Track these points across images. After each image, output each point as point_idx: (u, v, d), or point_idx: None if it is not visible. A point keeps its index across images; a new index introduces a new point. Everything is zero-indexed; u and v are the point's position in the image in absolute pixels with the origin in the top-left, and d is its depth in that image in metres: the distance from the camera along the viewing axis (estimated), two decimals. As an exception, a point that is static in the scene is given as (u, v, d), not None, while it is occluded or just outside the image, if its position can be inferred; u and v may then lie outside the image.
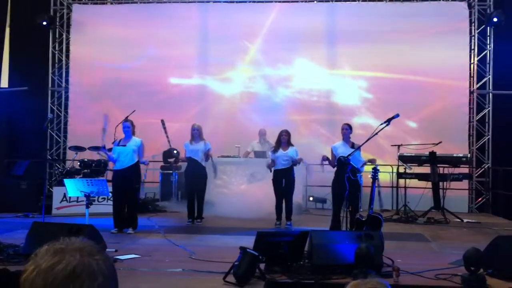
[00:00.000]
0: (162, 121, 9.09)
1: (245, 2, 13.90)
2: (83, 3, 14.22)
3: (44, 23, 13.53)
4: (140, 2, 14.10)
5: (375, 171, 7.34)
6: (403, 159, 11.04)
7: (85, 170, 11.30)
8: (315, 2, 13.69)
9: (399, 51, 12.98)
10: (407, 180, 11.25)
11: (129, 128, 8.74)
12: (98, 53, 13.82)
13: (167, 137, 9.39)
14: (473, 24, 13.07)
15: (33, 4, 13.72)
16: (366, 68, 13.18)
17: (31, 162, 11.97)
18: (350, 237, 6.07)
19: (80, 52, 13.94)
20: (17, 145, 13.16)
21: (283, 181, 9.33)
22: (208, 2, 14.05)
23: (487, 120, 12.95)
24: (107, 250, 6.40)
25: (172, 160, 11.19)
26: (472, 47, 13.04)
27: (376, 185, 7.79)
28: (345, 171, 7.90)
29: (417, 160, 11.06)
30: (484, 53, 13.03)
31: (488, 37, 13.03)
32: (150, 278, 5.63)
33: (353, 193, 7.96)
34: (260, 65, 13.46)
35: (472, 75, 13.06)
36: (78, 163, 11.56)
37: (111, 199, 9.19)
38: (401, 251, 7.04)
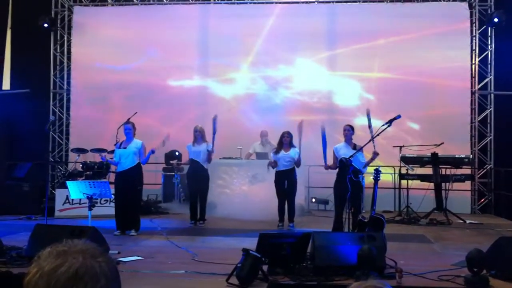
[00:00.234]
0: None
1: (246, 3, 13.91)
2: (84, 5, 14.23)
3: (46, 25, 13.56)
4: (141, 4, 14.12)
5: (377, 172, 7.33)
6: (405, 160, 11.03)
7: (88, 172, 11.30)
8: (315, 3, 13.69)
9: (400, 52, 12.98)
10: (409, 181, 11.24)
11: (130, 130, 8.76)
12: (100, 54, 13.84)
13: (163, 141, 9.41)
14: (474, 25, 13.06)
15: (34, 6, 13.74)
16: (367, 69, 13.18)
17: (33, 164, 11.98)
18: (352, 238, 6.06)
19: (82, 54, 13.96)
20: (19, 147, 13.18)
21: (285, 182, 9.33)
22: (209, 3, 14.08)
23: (488, 121, 12.94)
24: (110, 252, 6.41)
25: (174, 162, 11.20)
26: (473, 48, 13.04)
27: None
28: (347, 172, 7.89)
29: (419, 161, 11.05)
30: (485, 53, 13.02)
31: (489, 38, 13.02)
32: (152, 280, 5.63)
33: (355, 195, 7.95)
34: (260, 66, 13.45)
35: (473, 75, 13.05)
36: (81, 165, 11.57)
37: (114, 201, 9.19)
38: (403, 253, 7.03)
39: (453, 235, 9.18)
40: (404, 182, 11.30)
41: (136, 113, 9.29)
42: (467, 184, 12.17)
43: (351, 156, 7.95)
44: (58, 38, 14.26)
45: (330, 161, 8.54)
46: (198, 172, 9.71)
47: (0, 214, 10.55)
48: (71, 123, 14.06)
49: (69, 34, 14.21)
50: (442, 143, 10.93)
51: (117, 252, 6.76)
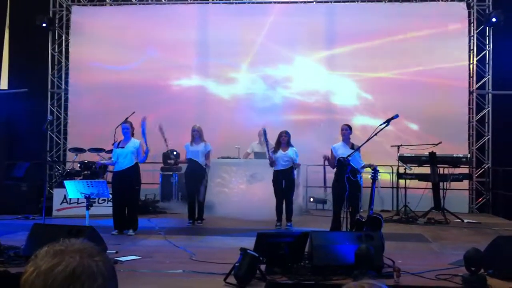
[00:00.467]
0: (160, 127, 9.10)
1: (244, 3, 13.91)
2: (82, 5, 14.22)
3: (44, 24, 13.55)
4: (139, 4, 14.11)
5: (375, 172, 7.34)
6: (403, 159, 11.04)
7: (85, 172, 11.30)
8: (314, 3, 13.70)
9: (398, 51, 13.00)
10: (407, 180, 11.25)
11: (128, 129, 8.75)
12: (98, 54, 13.83)
13: (165, 140, 9.41)
14: (472, 24, 13.08)
15: (32, 5, 13.73)
16: (365, 69, 13.19)
17: (31, 164, 11.97)
18: (350, 238, 6.07)
19: (80, 54, 13.94)
20: (17, 147, 13.17)
21: (283, 182, 9.33)
22: (207, 3, 14.08)
23: (486, 120, 12.96)
24: (107, 251, 6.41)
25: (172, 161, 11.20)
26: (471, 47, 13.05)
27: (376, 185, 7.79)
28: (345, 171, 7.90)
29: (417, 160, 11.06)
30: (483, 53, 13.04)
31: (487, 37, 13.04)
32: (150, 280, 5.63)
33: (353, 194, 7.96)
34: (259, 66, 13.46)
35: (471, 75, 13.07)
36: (78, 165, 11.56)
37: (111, 200, 9.19)
38: (401, 252, 7.04)
39: (451, 234, 9.19)
40: (402, 181, 11.32)
41: (134, 112, 9.28)
42: (465, 184, 12.19)
43: (348, 156, 7.96)
44: (56, 37, 14.25)
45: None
46: (196, 172, 9.70)
47: (-2, 214, 10.55)
48: (69, 122, 14.05)
49: (67, 33, 14.20)
50: (440, 143, 10.94)
51: (115, 251, 6.76)
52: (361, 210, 8.40)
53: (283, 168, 9.35)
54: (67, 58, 14.15)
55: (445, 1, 13.12)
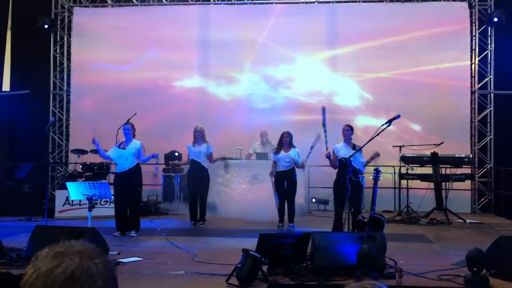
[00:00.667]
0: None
1: (246, 3, 13.92)
2: (84, 6, 14.24)
3: (45, 26, 13.58)
4: (141, 5, 14.12)
5: (377, 172, 7.33)
6: (405, 160, 11.03)
7: (87, 173, 11.31)
8: (315, 3, 13.70)
9: (400, 51, 12.99)
10: (409, 181, 11.24)
11: (129, 130, 8.75)
12: (99, 55, 13.84)
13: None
14: (473, 24, 13.07)
15: (34, 7, 13.75)
16: (367, 69, 13.18)
17: (33, 165, 11.99)
18: (352, 238, 6.06)
19: (81, 55, 13.96)
20: (19, 148, 13.18)
21: (285, 182, 9.33)
22: (209, 3, 14.08)
23: (488, 120, 12.94)
24: (110, 253, 6.42)
25: (174, 162, 11.21)
26: (473, 47, 13.04)
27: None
28: (347, 172, 7.89)
29: (419, 160, 11.05)
30: (485, 53, 13.03)
31: (489, 37, 13.03)
32: (152, 281, 5.63)
33: (355, 194, 7.95)
34: (261, 66, 13.46)
35: (473, 75, 13.05)
36: (80, 166, 11.57)
37: (114, 201, 9.20)
38: (403, 252, 7.03)
39: (453, 234, 9.18)
40: (404, 181, 11.30)
41: (135, 113, 9.29)
42: (467, 184, 12.17)
43: (350, 156, 7.95)
44: (58, 39, 14.28)
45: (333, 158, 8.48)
46: (198, 173, 9.70)
47: (0, 215, 10.55)
48: (71, 124, 14.07)
49: (69, 35, 14.22)
50: (442, 143, 10.92)
51: (117, 253, 6.77)
52: (363, 211, 8.39)
53: (285, 169, 9.34)
54: (69, 59, 14.17)
55: (446, 1, 13.11)
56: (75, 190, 7.86)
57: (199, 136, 9.74)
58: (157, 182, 12.73)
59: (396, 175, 11.56)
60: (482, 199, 12.81)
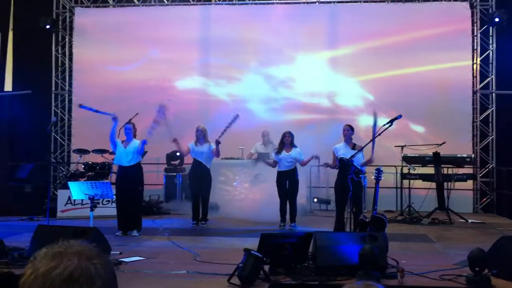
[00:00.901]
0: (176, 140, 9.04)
1: (247, 4, 13.92)
2: (86, 7, 14.26)
3: (47, 26, 13.60)
4: (142, 5, 14.13)
5: (379, 172, 7.32)
6: (407, 159, 11.03)
7: (89, 173, 11.33)
8: (317, 3, 13.70)
9: (401, 51, 12.98)
10: (411, 180, 11.24)
11: (130, 130, 8.76)
12: (101, 56, 13.86)
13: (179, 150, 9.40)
14: (475, 24, 13.06)
15: (35, 7, 13.77)
16: (368, 69, 13.18)
17: (35, 165, 12.00)
18: (354, 238, 6.06)
19: (83, 55, 13.98)
20: (21, 148, 13.20)
21: (287, 182, 9.33)
22: (210, 4, 14.08)
23: (490, 120, 12.93)
24: (111, 252, 6.43)
25: (176, 162, 11.22)
26: (475, 47, 13.03)
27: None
28: (348, 172, 7.88)
29: (421, 160, 11.03)
30: (486, 53, 13.02)
31: (491, 37, 13.02)
32: (154, 280, 5.63)
33: (356, 194, 7.94)
34: (262, 66, 13.45)
35: (475, 75, 13.04)
36: (82, 166, 11.59)
37: (115, 201, 9.20)
38: (405, 252, 7.03)
39: (455, 234, 9.18)
40: (406, 181, 11.30)
41: (137, 114, 9.31)
42: (469, 184, 12.15)
43: (352, 157, 7.93)
44: (60, 39, 14.29)
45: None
46: (200, 172, 9.70)
47: (2, 215, 10.58)
48: (72, 124, 14.08)
49: (71, 35, 14.24)
50: (444, 143, 10.92)
51: (119, 252, 6.77)
52: (365, 211, 8.38)
53: (286, 169, 9.34)
54: (70, 59, 14.19)
55: (448, 1, 13.10)
56: (77, 190, 7.87)
57: (201, 136, 9.75)
58: (159, 182, 12.72)
59: (398, 175, 11.56)
60: (484, 199, 12.80)
